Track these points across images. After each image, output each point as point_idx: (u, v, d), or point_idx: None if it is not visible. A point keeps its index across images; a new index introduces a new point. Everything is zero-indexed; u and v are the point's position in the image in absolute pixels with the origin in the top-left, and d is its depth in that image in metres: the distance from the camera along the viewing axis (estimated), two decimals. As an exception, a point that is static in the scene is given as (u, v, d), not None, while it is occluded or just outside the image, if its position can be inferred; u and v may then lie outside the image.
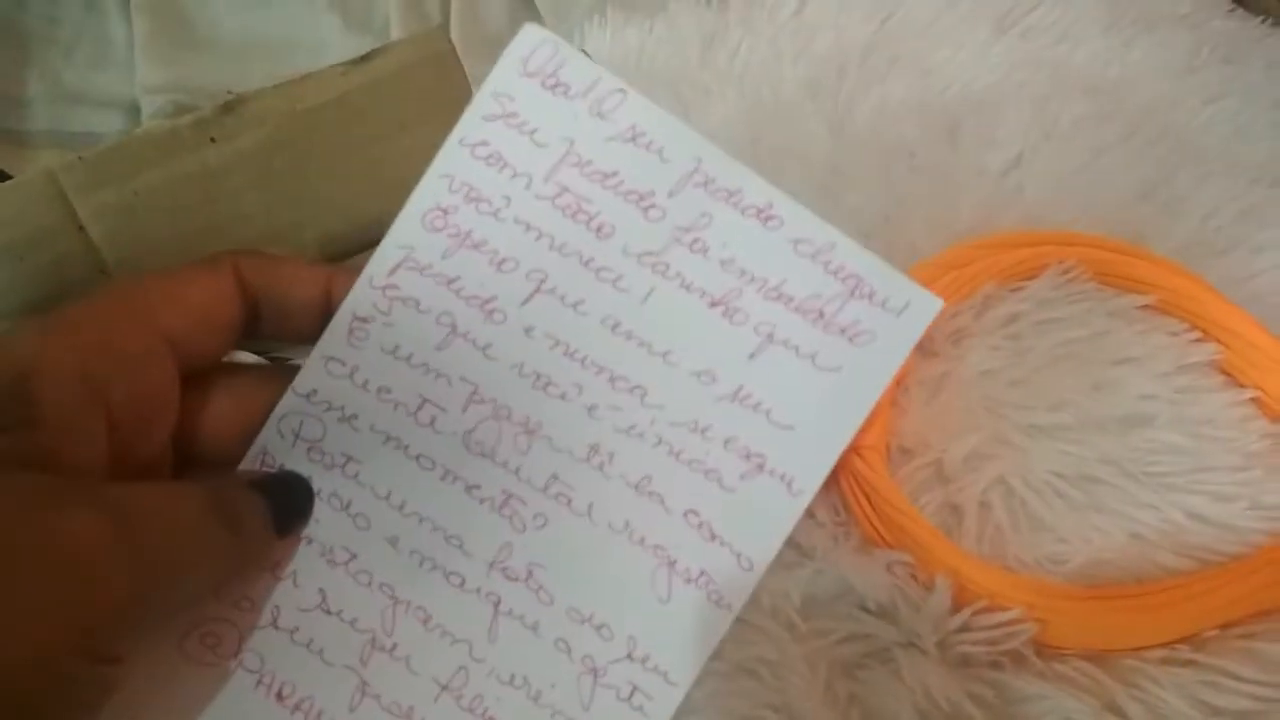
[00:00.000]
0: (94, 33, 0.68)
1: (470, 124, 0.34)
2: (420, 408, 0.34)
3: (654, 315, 0.34)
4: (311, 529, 0.33)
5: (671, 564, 0.34)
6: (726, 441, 0.34)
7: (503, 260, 0.34)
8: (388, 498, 0.34)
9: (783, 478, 0.35)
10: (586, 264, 0.34)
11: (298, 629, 0.33)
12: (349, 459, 0.34)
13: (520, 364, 0.34)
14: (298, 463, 0.33)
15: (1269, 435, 0.48)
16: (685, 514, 0.34)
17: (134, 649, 0.27)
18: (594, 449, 0.34)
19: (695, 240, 0.34)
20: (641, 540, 0.34)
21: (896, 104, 0.58)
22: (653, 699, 0.34)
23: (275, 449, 0.33)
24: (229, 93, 0.44)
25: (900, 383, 0.49)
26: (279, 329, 0.33)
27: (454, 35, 0.66)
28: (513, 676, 0.33)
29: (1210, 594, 0.44)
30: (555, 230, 0.34)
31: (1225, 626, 0.43)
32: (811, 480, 0.35)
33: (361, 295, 0.33)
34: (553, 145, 0.33)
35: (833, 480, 0.48)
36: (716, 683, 0.42)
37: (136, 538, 0.26)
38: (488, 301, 0.34)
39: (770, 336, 0.34)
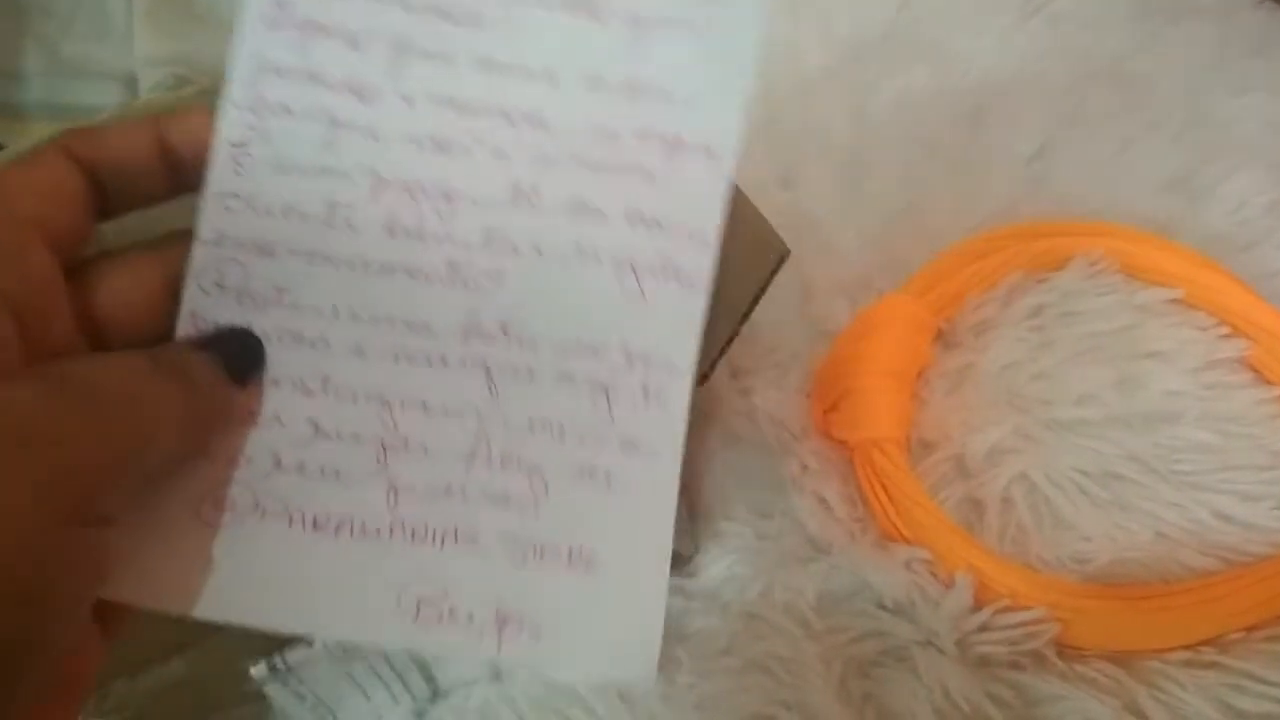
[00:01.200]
0: (92, 5, 0.66)
1: None
2: (331, 212, 0.32)
3: (520, 38, 0.32)
4: (275, 370, 0.32)
5: (632, 265, 0.33)
6: (638, 133, 0.33)
7: (356, 36, 0.32)
8: (334, 313, 0.33)
9: (703, 149, 0.33)
10: (439, 12, 0.32)
11: (304, 464, 0.32)
12: (281, 290, 0.32)
13: (412, 134, 0.32)
14: (230, 312, 0.32)
15: (1297, 433, 0.47)
16: (625, 216, 0.33)
17: (125, 509, 0.27)
18: (516, 189, 0.33)
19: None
20: (596, 255, 0.33)
21: (918, 90, 0.57)
22: (668, 390, 0.34)
23: (203, 308, 0.32)
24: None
25: (921, 374, 0.48)
26: (130, 197, 0.32)
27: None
28: (531, 422, 0.33)
29: (1235, 595, 0.43)
30: None
31: (1250, 629, 0.42)
32: (728, 140, 0.33)
33: (230, 119, 0.32)
34: None
35: (850, 473, 0.47)
36: (728, 679, 0.41)
37: (86, 404, 0.26)
38: (357, 83, 0.32)
39: (636, 20, 0.33)
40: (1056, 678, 0.41)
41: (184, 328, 0.32)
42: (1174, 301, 0.49)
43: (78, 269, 0.31)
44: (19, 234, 0.29)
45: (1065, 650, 0.42)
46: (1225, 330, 0.49)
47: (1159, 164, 0.54)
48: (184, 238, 0.32)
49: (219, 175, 0.32)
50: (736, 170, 0.35)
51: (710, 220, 0.33)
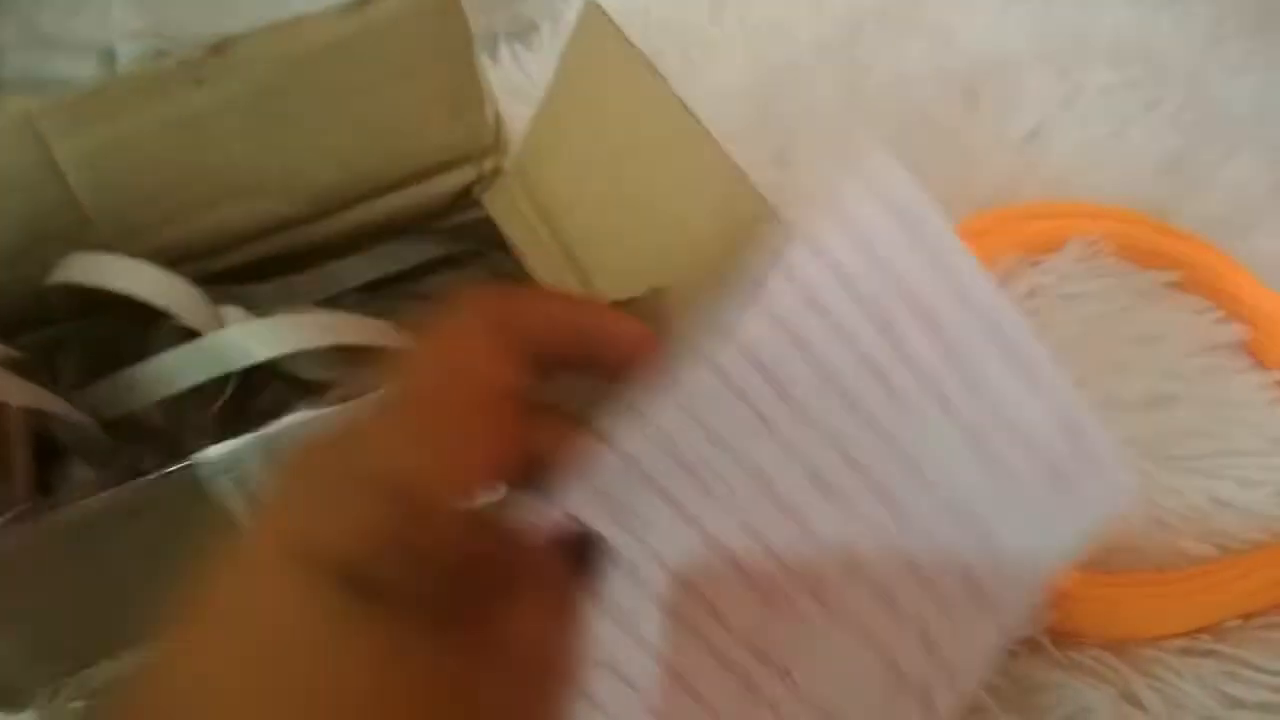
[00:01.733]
0: (70, -24, 0.65)
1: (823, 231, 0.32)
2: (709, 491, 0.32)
3: (921, 439, 0.33)
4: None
5: (899, 674, 0.34)
6: (938, 557, 0.34)
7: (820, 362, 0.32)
8: (662, 561, 0.33)
9: (991, 609, 0.34)
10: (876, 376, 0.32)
11: None
12: (637, 517, 0.32)
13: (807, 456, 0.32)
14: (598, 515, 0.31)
15: (1296, 419, 0.46)
16: (916, 627, 0.34)
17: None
18: (849, 550, 0.33)
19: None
20: (876, 646, 0.34)
21: (912, 67, 0.56)
22: None
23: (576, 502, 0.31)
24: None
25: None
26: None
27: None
28: None
29: (1233, 582, 0.42)
30: (861, 340, 0.32)
31: (1248, 616, 0.42)
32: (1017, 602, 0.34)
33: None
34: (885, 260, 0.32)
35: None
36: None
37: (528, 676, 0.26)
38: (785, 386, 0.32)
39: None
40: (1052, 666, 0.41)
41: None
42: (1171, 285, 0.49)
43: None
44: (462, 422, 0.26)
45: (1061, 638, 0.41)
46: (1222, 314, 0.48)
47: (1156, 145, 0.53)
48: None
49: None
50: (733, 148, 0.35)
51: (970, 675, 0.34)
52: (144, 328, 0.43)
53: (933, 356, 0.33)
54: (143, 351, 0.41)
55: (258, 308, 0.42)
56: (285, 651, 0.22)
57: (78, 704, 0.41)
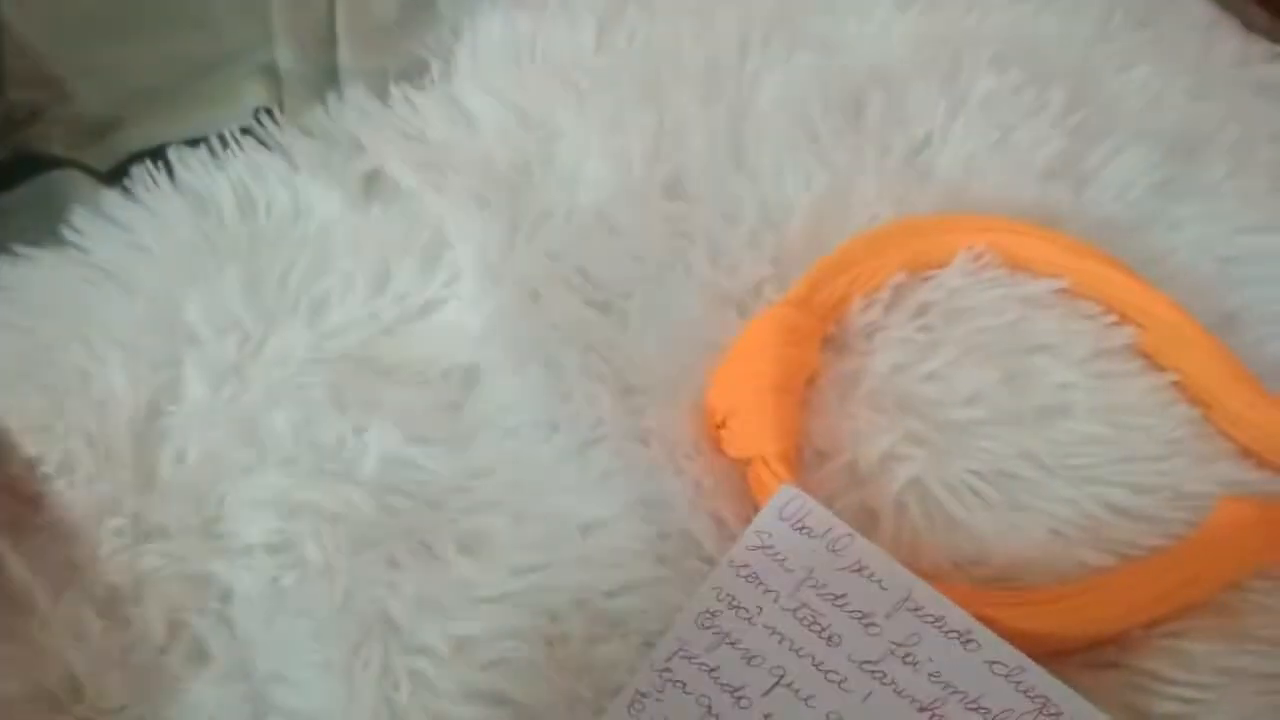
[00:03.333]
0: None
1: (739, 551, 0.42)
2: None
3: (871, 714, 0.39)
4: None
5: None
6: None
7: (752, 656, 0.41)
8: None
9: None
10: (818, 666, 0.40)
11: None
12: None
13: None
14: None
15: (1190, 420, 0.46)
16: None
17: None
18: None
19: (907, 655, 0.40)
20: None
21: (801, 84, 0.56)
22: None
23: None
24: None
25: (813, 382, 0.47)
26: None
27: (340, 24, 0.63)
28: None
29: (1132, 591, 0.42)
30: (795, 636, 0.41)
31: (1150, 625, 0.42)
32: None
33: (645, 675, 0.41)
34: (797, 571, 0.42)
35: (745, 487, 0.46)
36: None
37: None
38: (738, 689, 0.40)
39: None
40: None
41: None
42: (1060, 292, 0.49)
43: None
44: None
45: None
46: (1113, 318, 0.48)
47: (1043, 149, 0.53)
48: None
49: (616, 709, 0.41)
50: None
51: None
52: None
53: (862, 639, 0.40)
54: None
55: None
56: None
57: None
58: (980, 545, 0.44)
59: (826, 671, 0.40)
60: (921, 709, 0.39)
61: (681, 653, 0.41)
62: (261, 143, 0.59)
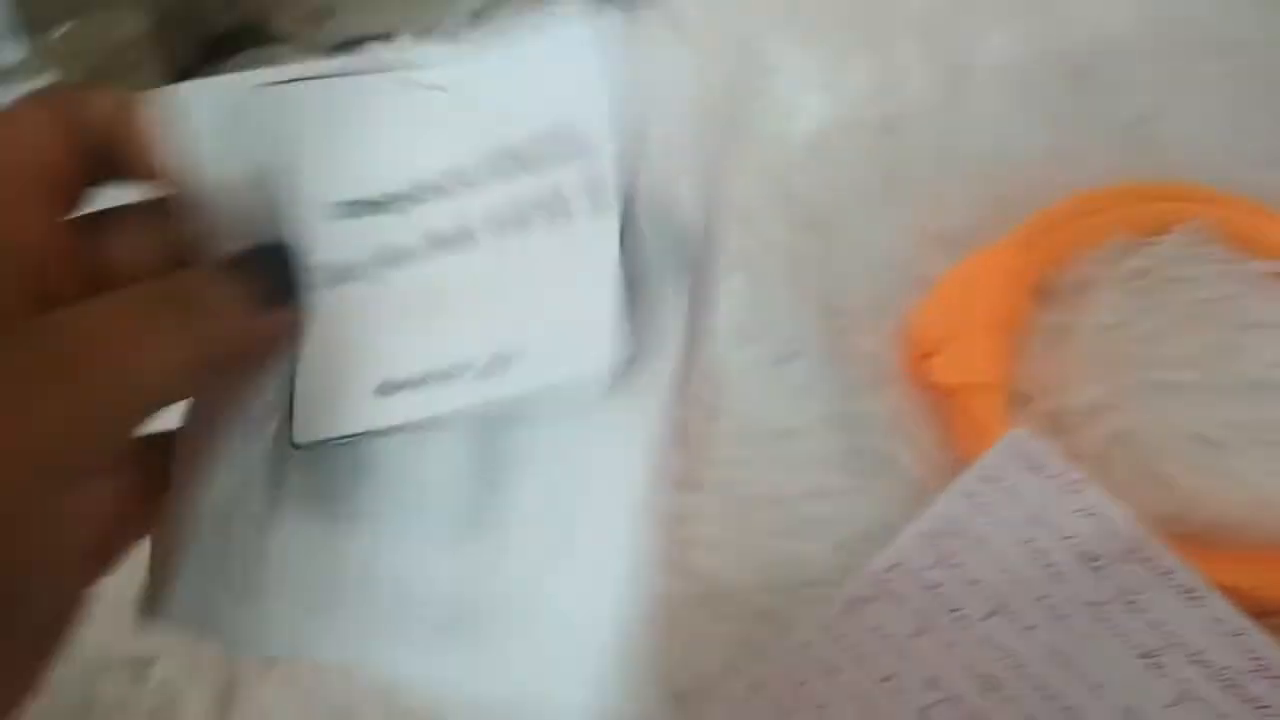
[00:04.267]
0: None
1: (968, 480, 0.43)
2: (888, 679, 0.40)
3: (1091, 653, 0.40)
4: None
5: None
6: None
7: (974, 581, 0.41)
8: None
9: None
10: (1040, 599, 0.41)
11: None
12: (825, 705, 0.41)
13: (975, 665, 0.40)
14: None
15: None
16: None
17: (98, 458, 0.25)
18: None
19: (1132, 601, 0.40)
20: None
21: (1025, 44, 0.56)
22: None
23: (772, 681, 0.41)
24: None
25: (1019, 328, 0.48)
26: (112, 170, 0.29)
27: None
28: None
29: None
30: (1020, 568, 0.41)
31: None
32: None
33: (861, 581, 0.42)
34: (1029, 506, 0.42)
35: (941, 417, 0.46)
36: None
37: (61, 355, 0.24)
38: (956, 609, 0.41)
39: (1186, 693, 0.39)
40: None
41: None
42: (1277, 275, 0.49)
43: (79, 225, 0.29)
44: (9, 185, 0.27)
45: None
46: (1333, 306, 0.48)
47: (1267, 136, 0.53)
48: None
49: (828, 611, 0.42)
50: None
51: None
52: None
53: (1089, 580, 0.40)
54: None
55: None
56: None
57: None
58: (1181, 504, 0.44)
59: (1049, 605, 0.40)
60: (1141, 654, 0.39)
61: (902, 566, 0.42)
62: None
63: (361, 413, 0.28)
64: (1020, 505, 0.42)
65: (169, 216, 0.30)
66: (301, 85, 0.29)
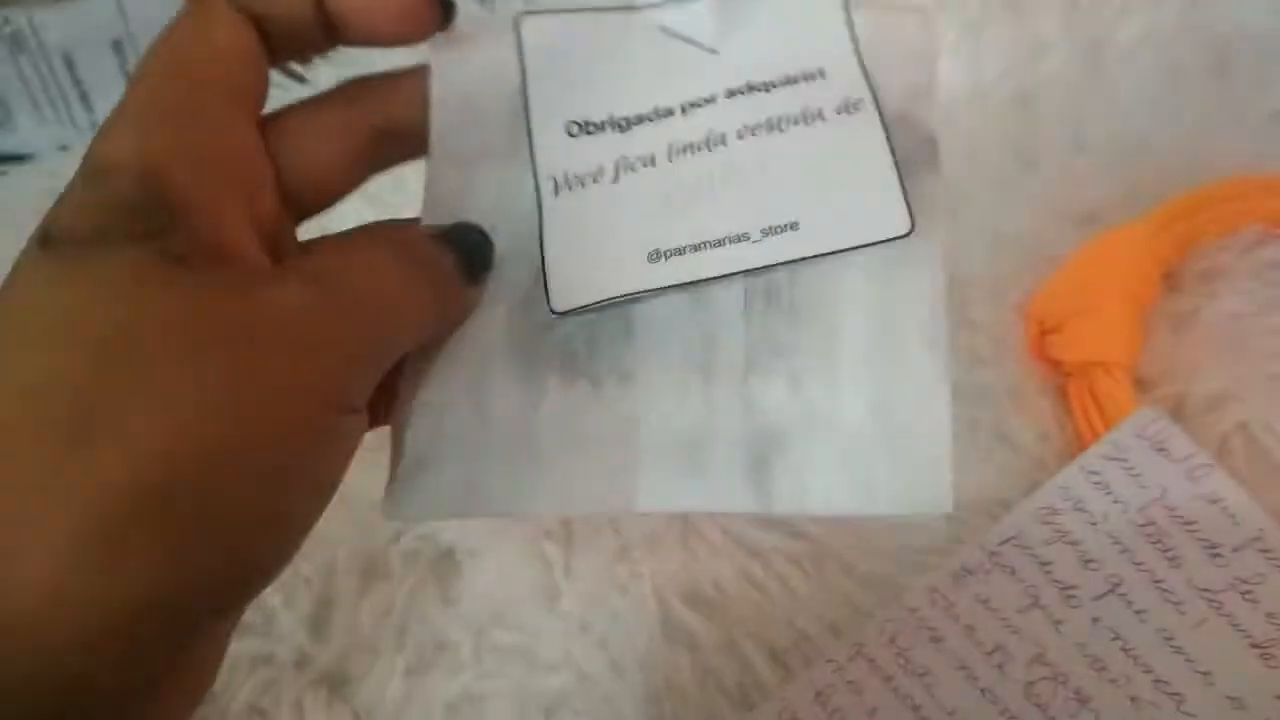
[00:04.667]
0: None
1: (1091, 457, 0.43)
2: (994, 651, 0.41)
3: (1203, 639, 0.40)
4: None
5: None
6: None
7: (1089, 560, 0.41)
8: (952, 714, 0.40)
9: None
10: (1156, 583, 0.40)
11: None
12: (927, 672, 0.41)
13: (1084, 644, 0.40)
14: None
15: None
16: None
17: (365, 397, 0.27)
18: None
19: (1248, 591, 0.40)
20: None
21: (1168, 29, 0.55)
22: None
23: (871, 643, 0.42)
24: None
25: (1146, 311, 0.47)
26: (288, 50, 0.30)
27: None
28: None
29: None
30: (1137, 549, 0.41)
31: None
32: None
33: (974, 553, 0.42)
34: (1150, 488, 0.42)
35: (1060, 399, 0.46)
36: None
37: (346, 305, 0.26)
38: (1068, 587, 0.41)
39: None
40: None
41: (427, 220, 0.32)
42: None
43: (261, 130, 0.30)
44: (212, 101, 0.28)
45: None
46: None
47: None
48: (369, 85, 0.32)
49: (941, 580, 0.42)
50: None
51: None
52: None
53: (1206, 567, 0.40)
54: None
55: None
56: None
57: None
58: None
59: (1164, 590, 0.40)
60: (1254, 645, 0.39)
61: (1016, 540, 0.42)
62: None
63: (630, 276, 0.30)
64: (1142, 486, 0.42)
65: (346, 116, 0.31)
66: (563, 16, 0.32)
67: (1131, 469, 0.42)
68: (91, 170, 0.26)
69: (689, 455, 0.30)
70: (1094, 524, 0.42)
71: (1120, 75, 0.54)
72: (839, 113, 0.31)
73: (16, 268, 0.25)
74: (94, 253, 0.25)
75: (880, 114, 0.31)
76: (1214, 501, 0.41)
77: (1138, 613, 0.40)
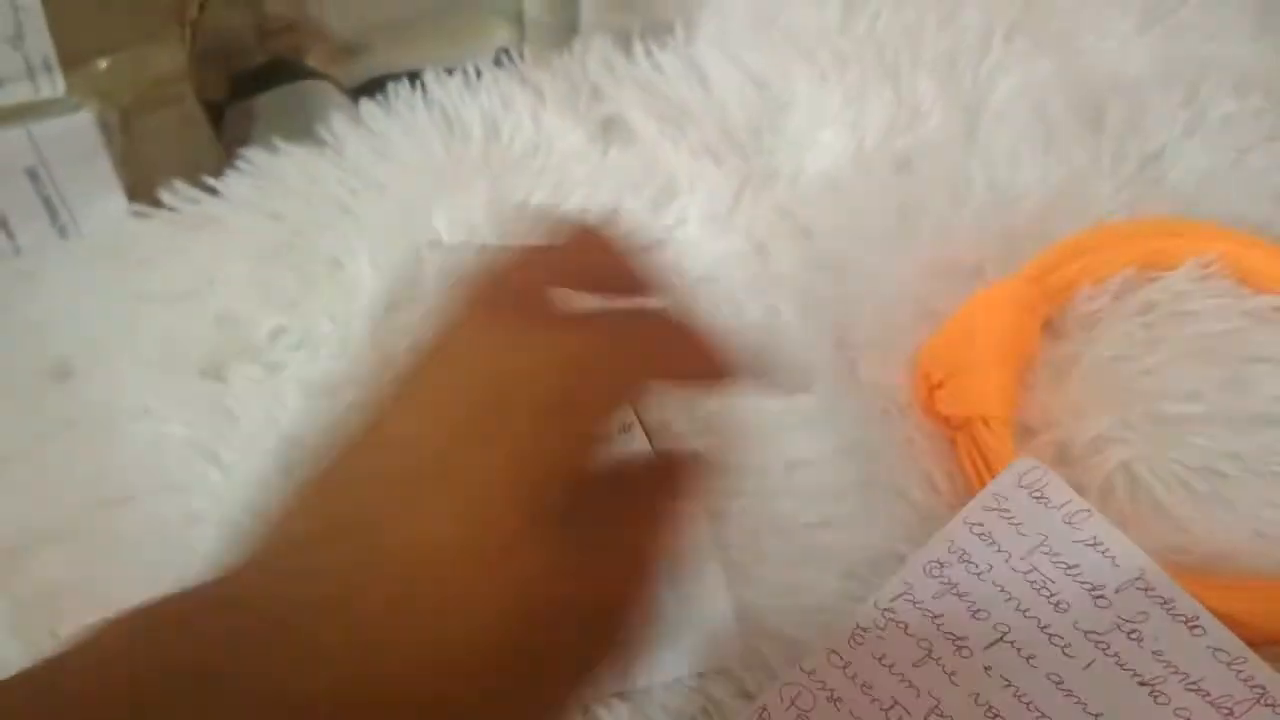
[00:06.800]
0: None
1: (973, 509, 0.44)
2: (891, 708, 0.41)
3: (1092, 682, 0.41)
4: None
5: None
6: None
7: (977, 610, 0.42)
8: None
9: None
10: (1043, 629, 0.42)
11: None
12: None
13: (977, 694, 0.41)
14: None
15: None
16: None
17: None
18: None
19: (1133, 631, 0.41)
20: None
21: (1040, 84, 0.57)
22: None
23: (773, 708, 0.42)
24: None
25: (1028, 361, 0.49)
26: None
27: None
28: None
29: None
30: (1022, 597, 0.42)
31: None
32: None
33: (868, 611, 0.43)
34: (1031, 536, 0.43)
35: (949, 453, 0.48)
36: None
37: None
38: (959, 639, 0.42)
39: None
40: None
41: None
42: (1283, 310, 0.50)
43: None
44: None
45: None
46: (1339, 342, 0.49)
47: (1274, 174, 0.54)
48: None
49: (837, 639, 0.42)
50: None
51: None
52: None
53: (1090, 609, 0.41)
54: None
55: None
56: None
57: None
58: (1184, 535, 0.45)
59: (1051, 635, 0.41)
60: (1142, 683, 0.40)
61: (907, 596, 0.43)
62: (511, 78, 0.62)
63: None
64: (1024, 535, 0.43)
65: None
66: None
67: (1012, 518, 0.43)
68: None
69: None
70: (979, 574, 0.43)
71: (995, 132, 0.56)
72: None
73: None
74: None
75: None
76: (1093, 545, 0.42)
77: (1027, 659, 0.41)
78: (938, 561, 0.43)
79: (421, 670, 0.25)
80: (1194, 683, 0.40)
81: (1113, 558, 0.42)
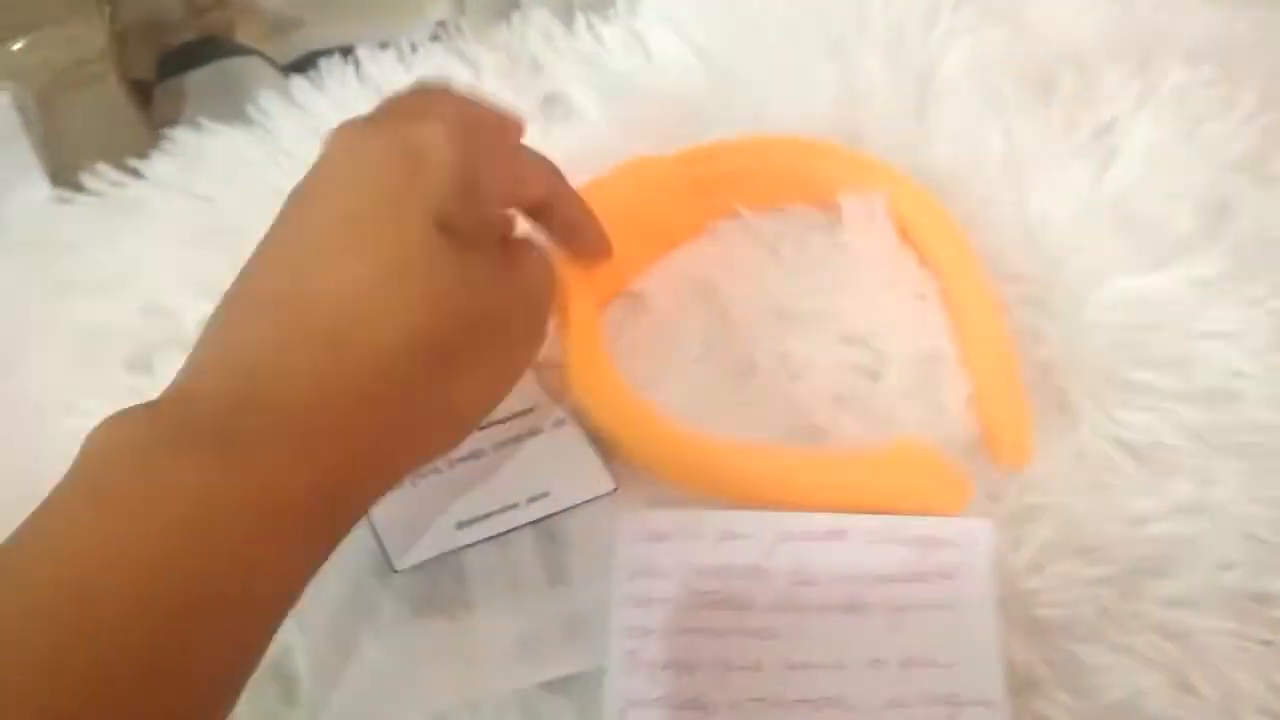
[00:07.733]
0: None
1: (620, 595, 0.43)
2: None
3: (812, 644, 0.41)
4: None
5: None
6: (926, 699, 0.40)
7: (686, 666, 0.41)
8: None
9: (982, 703, 0.40)
10: (750, 633, 0.41)
11: None
12: None
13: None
14: None
15: None
16: None
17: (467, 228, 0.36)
18: None
19: (805, 579, 0.42)
20: None
21: (989, 54, 0.56)
22: None
23: None
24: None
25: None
26: None
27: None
28: None
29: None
30: (710, 626, 0.42)
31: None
32: (997, 691, 0.40)
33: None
34: (676, 574, 0.43)
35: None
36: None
37: (465, 137, 0.36)
38: (699, 701, 0.41)
39: (901, 608, 0.41)
40: (1107, 649, 0.41)
41: None
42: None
43: None
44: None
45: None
46: None
47: (1230, 145, 0.53)
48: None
49: None
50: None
51: None
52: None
53: (763, 591, 0.41)
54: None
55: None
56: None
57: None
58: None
59: (753, 634, 0.41)
60: (847, 610, 0.41)
61: (635, 704, 0.41)
62: (448, 52, 0.60)
63: (447, 539, 0.44)
64: (670, 576, 0.43)
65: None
66: None
67: (653, 572, 0.43)
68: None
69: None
70: (663, 636, 0.42)
71: (945, 103, 0.55)
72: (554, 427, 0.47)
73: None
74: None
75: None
76: (727, 538, 0.43)
77: (753, 669, 0.41)
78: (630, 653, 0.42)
79: (371, 362, 0.34)
80: (882, 577, 0.42)
81: (747, 536, 0.43)
